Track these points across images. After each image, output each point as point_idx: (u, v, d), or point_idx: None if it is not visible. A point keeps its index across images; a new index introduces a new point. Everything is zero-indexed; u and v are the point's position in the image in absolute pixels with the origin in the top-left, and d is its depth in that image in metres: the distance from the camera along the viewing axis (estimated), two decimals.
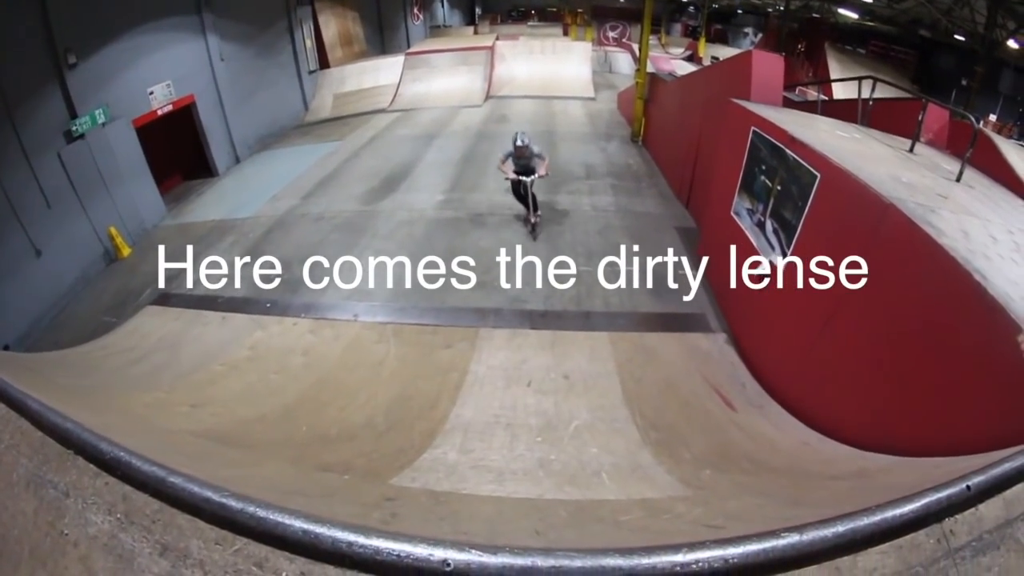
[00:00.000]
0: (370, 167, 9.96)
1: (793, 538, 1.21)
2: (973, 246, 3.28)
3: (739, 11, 36.42)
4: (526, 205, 6.97)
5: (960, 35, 17.36)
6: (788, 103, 9.38)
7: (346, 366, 4.55)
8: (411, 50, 17.31)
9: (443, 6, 31.73)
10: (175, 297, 5.97)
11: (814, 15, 24.33)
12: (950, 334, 2.90)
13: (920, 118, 5.66)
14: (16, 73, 6.62)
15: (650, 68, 13.87)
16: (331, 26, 16.75)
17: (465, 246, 6.78)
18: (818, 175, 4.17)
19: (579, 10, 35.29)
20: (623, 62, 23.49)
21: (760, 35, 30.67)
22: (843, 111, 7.65)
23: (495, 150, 10.60)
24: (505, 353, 4.57)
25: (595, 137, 11.97)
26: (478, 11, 39.15)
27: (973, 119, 5.23)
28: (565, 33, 32.26)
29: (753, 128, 5.29)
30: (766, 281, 4.78)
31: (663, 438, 3.62)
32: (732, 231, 5.61)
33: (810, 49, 21.91)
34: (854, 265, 3.71)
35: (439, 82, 15.64)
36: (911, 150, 5.44)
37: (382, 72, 16.13)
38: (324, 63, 16.17)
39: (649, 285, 5.84)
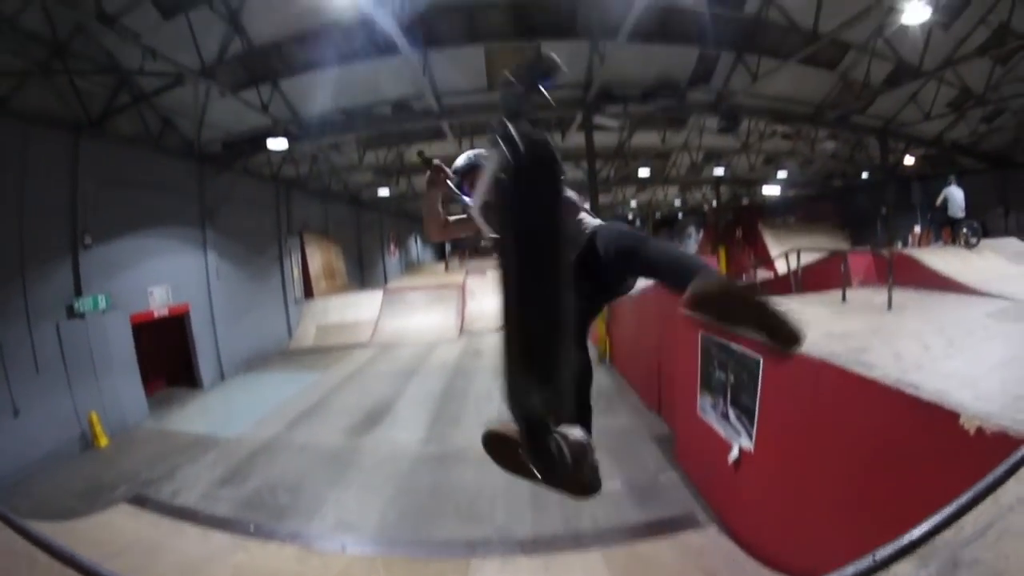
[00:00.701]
0: (352, 402, 10.36)
1: None
2: (905, 364, 3.71)
3: (680, 215, 40.32)
4: None
5: (867, 172, 20.30)
6: None
7: None
8: (389, 286, 18.97)
9: (416, 243, 35.78)
10: (152, 502, 5.83)
11: (743, 202, 27.30)
12: (904, 451, 3.21)
13: (843, 269, 6.53)
14: (39, 238, 7.28)
15: None
16: (316, 258, 18.40)
17: (450, 480, 6.96)
18: (759, 358, 4.76)
19: None
20: None
21: (701, 231, 33.55)
22: (782, 286, 8.57)
23: (472, 386, 11.34)
24: None
25: None
26: (448, 247, 44.20)
27: (886, 253, 6.12)
28: None
29: (700, 332, 5.96)
30: (741, 465, 5.10)
31: None
32: (703, 429, 5.99)
33: (747, 233, 23.64)
34: (808, 425, 4.13)
35: (416, 318, 16.89)
36: (843, 299, 6.17)
37: (363, 307, 17.33)
38: (309, 293, 17.43)
39: (634, 496, 6.04)
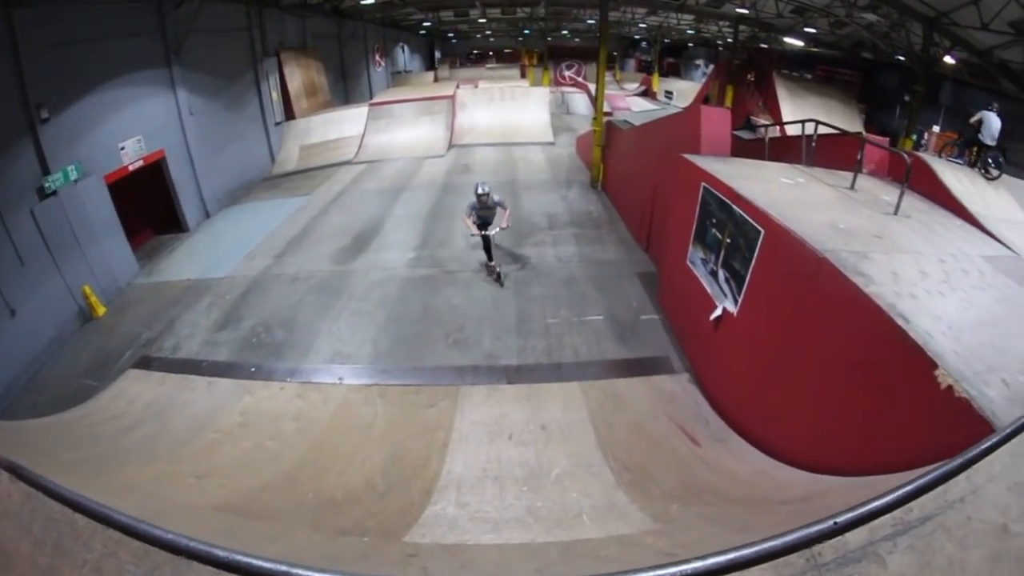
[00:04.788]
0: (340, 224, 10.25)
1: (697, 564, 1.71)
2: (900, 287, 3.72)
3: (690, 44, 37.64)
4: (489, 255, 7.63)
5: (900, 55, 18.49)
6: (739, 144, 9.93)
7: (337, 429, 4.77)
8: (374, 100, 17.82)
9: (403, 52, 32.72)
10: (157, 361, 6.07)
11: (762, 45, 25.29)
12: (879, 371, 3.35)
13: (859, 157, 6.11)
14: None
15: (606, 106, 14.51)
16: (296, 77, 17.13)
17: (439, 304, 7.11)
18: (762, 231, 4.62)
19: (535, 50, 36.79)
20: (580, 103, 24.51)
21: (711, 67, 31.55)
22: (791, 147, 8.10)
23: (461, 203, 11.09)
24: (485, 409, 4.91)
25: (556, 184, 12.56)
26: (437, 55, 40.48)
27: (906, 155, 5.75)
28: (523, 75, 33.48)
29: (703, 184, 5.71)
30: (722, 325, 5.23)
31: (635, 478, 4.00)
32: (689, 279, 6.02)
33: (759, 78, 22.60)
34: (796, 312, 4.16)
35: (403, 133, 16.17)
36: (852, 186, 5.87)
37: (347, 123, 16.57)
38: (290, 114, 16.52)
39: (615, 333, 6.30)
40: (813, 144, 7.51)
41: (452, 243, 9.14)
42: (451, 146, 16.03)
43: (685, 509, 3.63)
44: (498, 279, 7.55)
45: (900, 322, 3.24)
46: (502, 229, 7.37)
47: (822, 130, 7.18)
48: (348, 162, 15.04)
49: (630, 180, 10.14)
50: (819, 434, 3.85)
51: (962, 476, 2.14)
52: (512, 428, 4.60)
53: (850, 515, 1.88)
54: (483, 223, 7.32)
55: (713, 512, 3.49)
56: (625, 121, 14.22)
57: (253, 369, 5.77)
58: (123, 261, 8.59)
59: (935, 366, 2.97)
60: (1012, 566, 1.94)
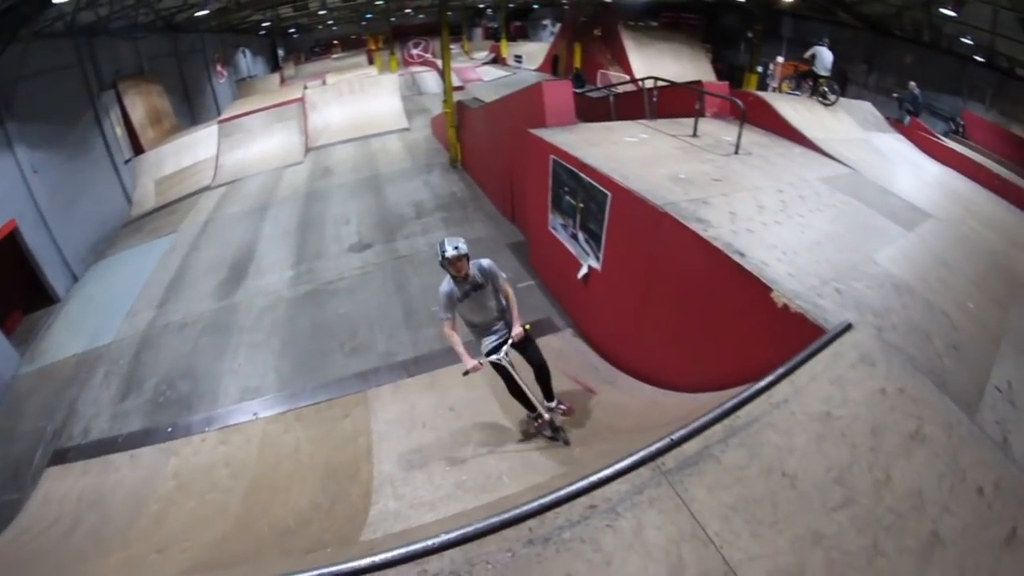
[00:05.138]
0: (213, 257, 10.01)
1: (569, 488, 2.32)
2: (738, 225, 4.14)
3: (535, 6, 37.84)
4: (525, 401, 4.27)
5: None
6: (588, 103, 10.33)
7: (268, 463, 5.01)
8: (223, 116, 16.98)
9: (246, 56, 30.51)
10: (72, 451, 5.90)
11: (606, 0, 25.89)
12: (730, 301, 3.84)
13: (697, 106, 6.61)
14: None
15: (457, 81, 14.36)
16: (138, 107, 15.89)
17: (328, 317, 7.32)
18: (608, 194, 5.12)
19: (380, 33, 35.68)
20: (430, 81, 24.42)
21: (558, 25, 31.79)
22: (637, 102, 8.68)
23: (328, 210, 11.10)
24: (395, 406, 5.36)
25: (417, 171, 12.79)
26: (281, 54, 38.01)
27: (740, 102, 6.32)
28: (370, 60, 32.68)
29: (552, 156, 6.14)
30: (591, 280, 5.81)
31: None
32: (554, 243, 6.53)
33: (606, 33, 22.93)
34: (652, 261, 4.70)
35: (257, 146, 15.62)
36: (695, 133, 6.32)
37: (199, 146, 15.75)
38: (138, 148, 15.40)
39: None
40: (654, 100, 8.04)
41: (325, 253, 9.29)
42: (308, 150, 15.69)
43: (587, 450, 4.16)
44: (556, 434, 4.38)
45: (736, 258, 3.72)
46: (520, 337, 4.04)
47: (666, 74, 7.41)
48: (208, 187, 14.33)
49: (487, 156, 10.42)
50: (692, 361, 4.36)
51: (785, 381, 2.79)
52: (424, 417, 5.09)
53: (683, 431, 2.51)
54: (483, 329, 4.16)
55: (609, 447, 3.86)
56: (475, 99, 14.46)
57: (170, 429, 5.81)
58: (1, 354, 7.90)
59: (770, 290, 3.45)
60: (836, 441, 2.55)
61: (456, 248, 3.76)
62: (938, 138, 12.48)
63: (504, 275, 4.11)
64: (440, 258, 3.80)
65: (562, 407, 4.56)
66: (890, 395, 2.79)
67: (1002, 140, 15.21)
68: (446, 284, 3.92)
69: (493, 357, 4.02)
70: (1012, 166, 11.66)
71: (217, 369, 6.70)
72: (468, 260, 3.83)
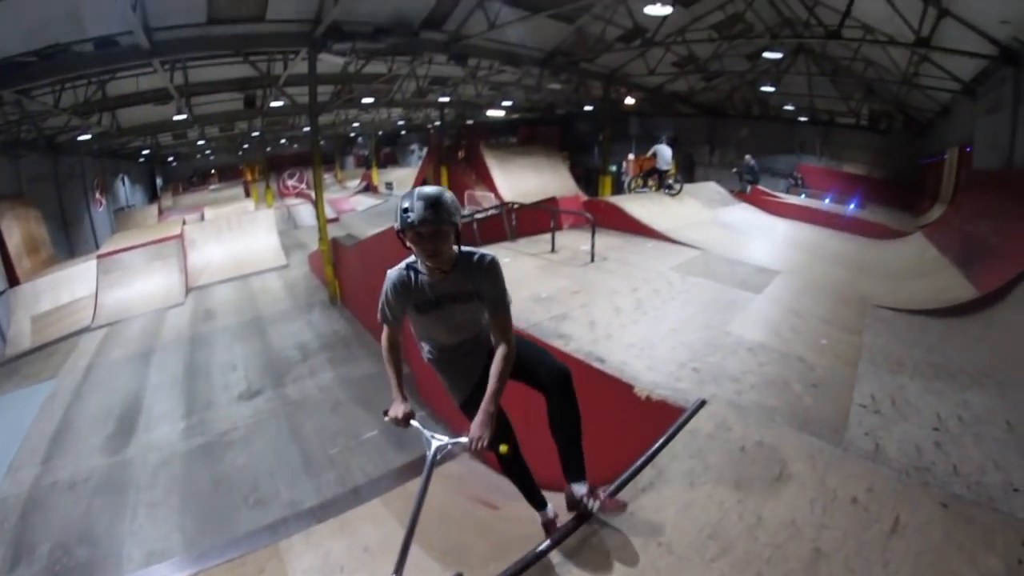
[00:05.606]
0: (99, 407, 9.17)
1: None
2: (597, 333, 4.30)
3: (402, 132, 38.54)
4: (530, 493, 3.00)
5: (589, 105, 22.05)
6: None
7: None
8: (102, 251, 16.16)
9: (124, 184, 29.53)
10: None
11: (468, 122, 27.24)
12: (608, 402, 3.85)
13: (552, 225, 6.97)
14: None
15: (331, 212, 14.32)
16: (14, 232, 14.69)
17: (226, 470, 7.07)
18: None
19: (256, 163, 35.29)
20: (306, 214, 24.84)
21: (425, 149, 32.67)
22: (499, 223, 8.97)
23: (214, 356, 10.82)
24: (309, 555, 5.06)
25: (298, 310, 12.76)
26: (159, 182, 37.12)
27: (590, 215, 6.73)
28: (247, 193, 32.73)
29: None
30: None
31: (455, 558, 4.62)
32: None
33: (469, 154, 23.59)
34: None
35: (137, 284, 14.99)
36: (553, 249, 6.65)
37: (77, 282, 14.70)
38: (13, 279, 14.03)
39: (393, 442, 6.85)
40: (514, 222, 8.41)
41: (216, 402, 8.97)
42: (189, 290, 15.21)
43: (500, 566, 4.43)
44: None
45: (597, 365, 3.91)
46: (473, 450, 2.40)
47: (530, 187, 7.91)
48: (88, 328, 13.19)
49: (365, 293, 10.61)
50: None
51: (648, 467, 2.90)
52: (339, 561, 4.93)
53: (559, 534, 2.62)
54: (449, 351, 2.73)
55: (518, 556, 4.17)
56: (349, 235, 14.80)
57: None
58: None
59: (632, 387, 3.64)
60: (704, 504, 2.67)
61: (432, 208, 2.13)
62: (779, 197, 14.15)
63: (509, 296, 2.44)
64: (400, 224, 2.21)
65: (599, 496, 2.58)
66: (749, 450, 2.97)
67: (836, 180, 17.82)
68: (400, 271, 2.51)
69: (434, 442, 2.46)
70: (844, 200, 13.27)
71: (117, 532, 6.05)
72: (457, 241, 2.30)
